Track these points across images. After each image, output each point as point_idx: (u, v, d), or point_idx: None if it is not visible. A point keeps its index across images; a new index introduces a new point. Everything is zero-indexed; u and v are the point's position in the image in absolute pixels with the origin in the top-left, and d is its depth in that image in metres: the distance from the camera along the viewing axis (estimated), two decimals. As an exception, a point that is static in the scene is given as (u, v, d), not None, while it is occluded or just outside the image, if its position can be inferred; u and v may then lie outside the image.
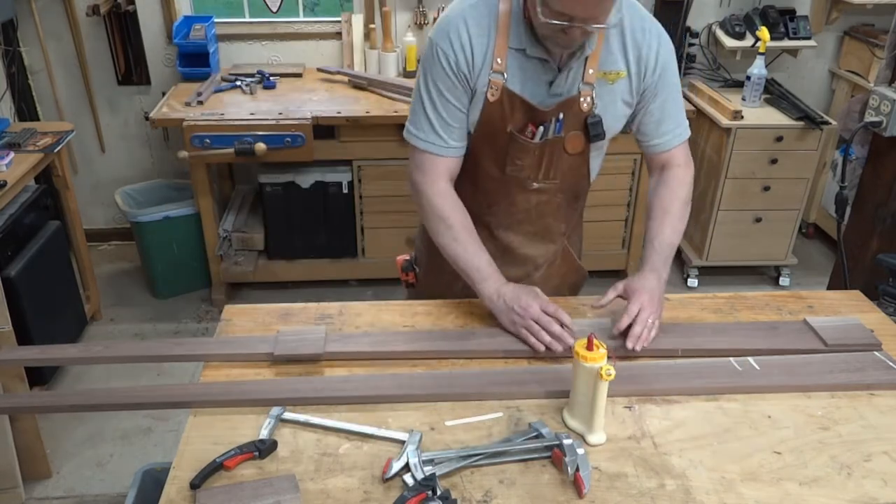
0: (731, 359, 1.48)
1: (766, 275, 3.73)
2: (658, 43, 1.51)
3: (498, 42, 1.44)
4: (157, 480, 1.52)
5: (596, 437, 1.28)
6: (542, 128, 1.50)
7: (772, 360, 1.47)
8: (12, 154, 2.69)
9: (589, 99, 1.48)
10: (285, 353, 1.48)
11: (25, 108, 3.44)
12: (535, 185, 1.57)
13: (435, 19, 3.53)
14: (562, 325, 1.44)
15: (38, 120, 3.49)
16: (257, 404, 1.35)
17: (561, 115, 1.48)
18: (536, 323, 1.44)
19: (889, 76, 2.41)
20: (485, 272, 1.52)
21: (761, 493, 1.18)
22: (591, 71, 1.46)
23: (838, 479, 1.21)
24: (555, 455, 1.23)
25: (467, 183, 1.61)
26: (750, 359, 1.47)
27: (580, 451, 1.21)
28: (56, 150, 2.83)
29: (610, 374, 1.22)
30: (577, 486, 1.18)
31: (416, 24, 3.54)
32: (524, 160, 1.53)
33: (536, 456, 1.24)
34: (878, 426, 1.33)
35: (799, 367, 1.46)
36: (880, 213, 2.45)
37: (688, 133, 1.64)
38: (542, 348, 1.44)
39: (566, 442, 1.22)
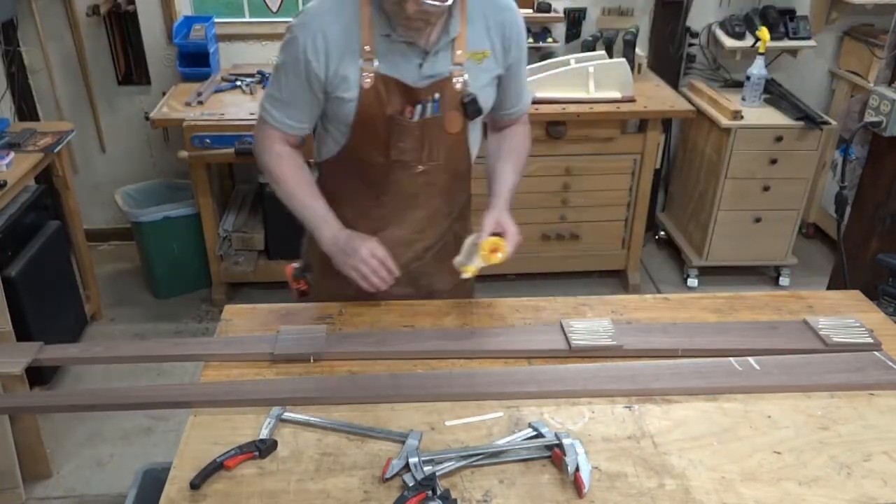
0: (731, 359, 1.48)
1: (766, 275, 3.73)
2: (520, 20, 1.59)
3: (363, 31, 1.49)
4: (157, 480, 1.52)
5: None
6: (419, 107, 1.55)
7: (772, 360, 1.47)
8: (12, 154, 2.69)
9: (461, 79, 1.54)
10: (285, 352, 1.48)
11: (25, 108, 3.44)
12: (420, 167, 1.62)
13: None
14: (388, 270, 1.54)
15: (38, 120, 3.48)
16: (257, 404, 1.35)
17: (437, 96, 1.54)
18: (364, 265, 1.52)
19: (889, 76, 2.41)
20: (322, 218, 1.60)
21: (761, 492, 1.18)
22: (459, 52, 1.53)
23: (838, 479, 1.21)
24: (555, 455, 1.23)
25: (355, 178, 1.66)
26: (750, 359, 1.47)
27: (580, 451, 1.21)
28: (56, 150, 2.83)
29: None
30: (577, 486, 1.18)
31: (416, 24, 3.54)
32: (406, 143, 1.58)
33: (536, 456, 1.24)
34: (877, 426, 1.33)
35: (799, 367, 1.46)
36: (880, 213, 2.45)
37: (532, 94, 1.76)
38: (366, 285, 1.54)
39: (566, 442, 1.22)
